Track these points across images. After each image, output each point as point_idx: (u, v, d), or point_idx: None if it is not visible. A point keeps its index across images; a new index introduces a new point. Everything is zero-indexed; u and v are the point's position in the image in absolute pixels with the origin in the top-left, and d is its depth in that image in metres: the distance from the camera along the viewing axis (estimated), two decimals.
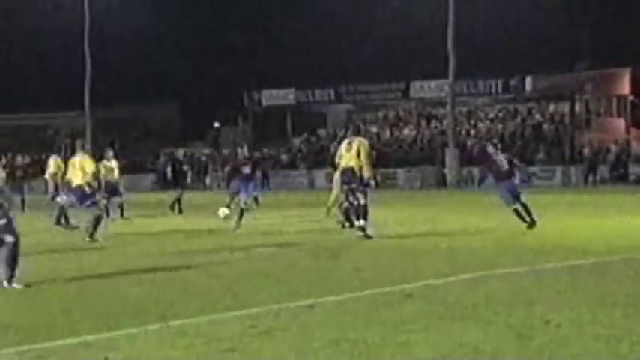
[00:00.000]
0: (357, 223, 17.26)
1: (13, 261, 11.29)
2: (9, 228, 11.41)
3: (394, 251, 15.14)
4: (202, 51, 71.50)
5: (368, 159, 17.40)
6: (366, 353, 7.14)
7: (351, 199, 17.44)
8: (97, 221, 17.93)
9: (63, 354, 7.50)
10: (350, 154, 17.48)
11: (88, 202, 18.14)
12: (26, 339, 8.01)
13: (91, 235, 17.68)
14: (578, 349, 7.09)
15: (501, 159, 19.51)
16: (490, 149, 20.08)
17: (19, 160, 33.46)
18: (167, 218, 25.72)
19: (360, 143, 17.57)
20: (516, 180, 19.70)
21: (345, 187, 17.66)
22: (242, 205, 20.45)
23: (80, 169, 18.42)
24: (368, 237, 16.91)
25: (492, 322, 8.21)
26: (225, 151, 58.52)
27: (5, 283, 11.22)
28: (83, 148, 19.21)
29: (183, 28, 70.90)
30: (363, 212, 17.20)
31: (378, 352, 7.17)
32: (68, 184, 18.96)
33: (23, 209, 30.29)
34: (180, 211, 27.23)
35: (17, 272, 11.31)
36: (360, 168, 17.27)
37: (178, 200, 27.60)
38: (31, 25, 66.57)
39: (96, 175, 18.63)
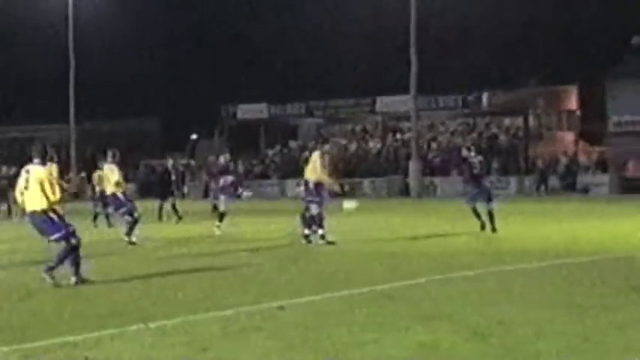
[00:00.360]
0: (318, 232, 17.29)
1: (75, 259, 11.67)
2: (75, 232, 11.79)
3: (363, 255, 15.12)
4: (181, 67, 71.46)
5: (323, 170, 17.42)
6: (334, 352, 7.10)
7: (310, 210, 17.48)
8: (133, 225, 18.43)
9: (47, 353, 7.41)
10: (308, 167, 17.64)
11: (123, 209, 18.60)
12: (15, 339, 7.92)
13: (128, 235, 18.30)
14: (533, 348, 7.09)
15: (475, 161, 19.69)
16: (464, 152, 20.31)
17: (4, 169, 33.23)
18: (147, 225, 25.47)
19: (315, 157, 17.67)
20: (487, 182, 19.83)
21: (307, 199, 17.67)
22: (222, 209, 20.58)
23: (107, 178, 18.97)
24: (330, 243, 16.95)
25: (454, 322, 8.21)
26: (196, 163, 58.65)
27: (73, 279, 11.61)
28: (114, 157, 18.91)
29: (163, 46, 70.94)
30: (318, 221, 17.25)
31: (346, 351, 7.13)
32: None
33: (9, 215, 30.11)
34: (161, 218, 26.96)
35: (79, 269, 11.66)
36: (316, 182, 17.35)
37: (160, 208, 27.28)
38: (17, 41, 66.18)
39: (120, 184, 18.70)
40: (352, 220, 23.70)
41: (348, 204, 18.70)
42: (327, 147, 19.06)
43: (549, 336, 7.49)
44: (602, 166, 50.76)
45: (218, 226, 20.42)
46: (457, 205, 20.58)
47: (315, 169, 17.40)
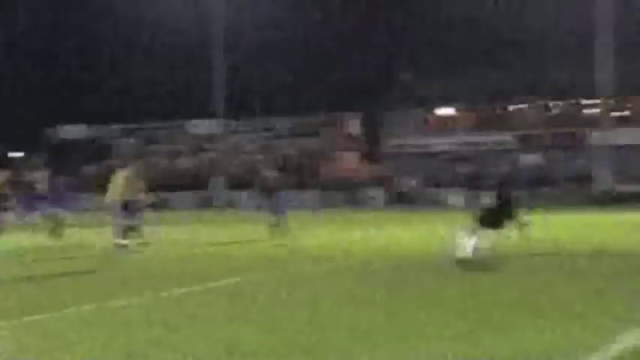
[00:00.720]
0: (119, 241, 17.12)
1: None
2: None
3: (172, 260, 14.98)
4: (5, 87, 68.06)
5: (125, 187, 17.25)
6: (140, 353, 6.89)
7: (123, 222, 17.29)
8: None
9: None
10: (114, 185, 17.43)
11: None
12: None
13: None
14: (322, 340, 7.21)
15: (270, 176, 20.24)
16: (263, 170, 20.85)
17: None
18: None
19: (121, 175, 17.47)
20: (282, 197, 20.33)
21: (119, 213, 17.44)
22: (53, 223, 20.10)
23: None
24: (123, 247, 16.84)
25: (253, 320, 8.18)
26: (19, 179, 56.00)
27: None
28: None
29: None
30: (124, 232, 17.11)
31: (153, 351, 6.90)
32: None
33: None
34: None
35: None
36: (123, 198, 17.18)
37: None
38: None
39: None
40: (165, 230, 23.39)
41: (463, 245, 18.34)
42: (134, 166, 18.82)
43: (338, 330, 7.67)
44: (378, 181, 52.88)
45: (56, 236, 19.88)
46: (257, 216, 20.80)
47: (120, 186, 17.18)
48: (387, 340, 6.94)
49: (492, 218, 12.61)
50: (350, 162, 58.47)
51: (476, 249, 12.32)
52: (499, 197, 12.88)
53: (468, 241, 12.34)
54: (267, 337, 7.26)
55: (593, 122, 52.17)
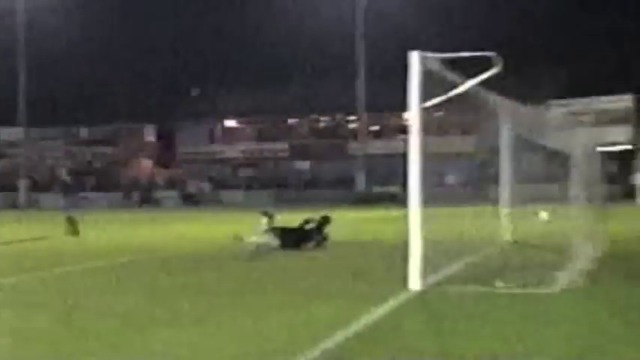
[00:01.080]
0: None
1: None
2: None
3: None
4: None
5: None
6: None
7: None
8: None
9: None
10: None
11: None
12: None
13: None
14: (99, 326, 7.00)
15: (69, 179, 19.35)
16: (60, 170, 19.96)
17: None
18: None
19: None
20: (81, 198, 19.58)
21: None
22: None
23: None
24: None
25: (50, 309, 7.82)
26: None
27: None
28: None
29: None
30: None
31: None
32: None
33: None
34: None
35: None
36: None
37: None
38: None
39: None
40: None
41: (542, 215, 16.38)
42: None
43: (112, 317, 7.48)
44: (171, 184, 52.26)
45: None
46: (56, 215, 19.77)
47: None
48: (152, 324, 6.84)
49: (293, 238, 13.12)
50: (146, 167, 57.31)
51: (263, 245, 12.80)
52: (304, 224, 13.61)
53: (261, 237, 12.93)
54: (53, 324, 6.92)
55: (353, 134, 54.79)
